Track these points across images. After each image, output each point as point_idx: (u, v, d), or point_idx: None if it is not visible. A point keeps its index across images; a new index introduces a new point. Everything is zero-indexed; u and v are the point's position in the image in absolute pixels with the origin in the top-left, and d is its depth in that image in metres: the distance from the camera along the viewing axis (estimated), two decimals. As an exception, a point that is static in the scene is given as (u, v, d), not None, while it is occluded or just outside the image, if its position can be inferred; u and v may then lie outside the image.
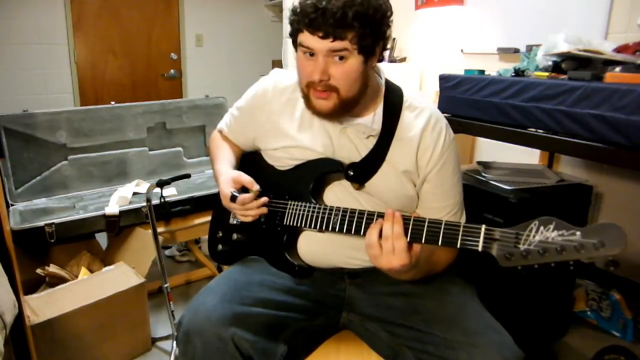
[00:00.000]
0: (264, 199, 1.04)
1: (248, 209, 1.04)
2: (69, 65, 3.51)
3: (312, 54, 0.94)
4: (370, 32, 0.91)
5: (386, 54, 1.06)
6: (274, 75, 1.16)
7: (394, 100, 1.06)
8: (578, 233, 0.72)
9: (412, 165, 1.03)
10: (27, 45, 3.31)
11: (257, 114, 1.13)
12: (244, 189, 1.06)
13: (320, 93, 0.96)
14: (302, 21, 0.91)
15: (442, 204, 1.05)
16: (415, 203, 1.07)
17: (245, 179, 1.05)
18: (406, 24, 2.77)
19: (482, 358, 0.86)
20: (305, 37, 0.93)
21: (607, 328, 1.82)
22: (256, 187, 1.04)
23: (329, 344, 1.08)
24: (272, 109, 1.11)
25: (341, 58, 0.92)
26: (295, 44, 0.99)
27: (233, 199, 1.02)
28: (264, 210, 1.05)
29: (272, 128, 1.11)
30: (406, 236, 0.87)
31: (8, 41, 3.23)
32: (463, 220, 1.08)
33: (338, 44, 0.90)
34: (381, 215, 0.91)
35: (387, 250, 0.86)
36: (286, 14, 2.77)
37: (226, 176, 1.08)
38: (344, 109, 1.00)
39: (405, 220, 0.88)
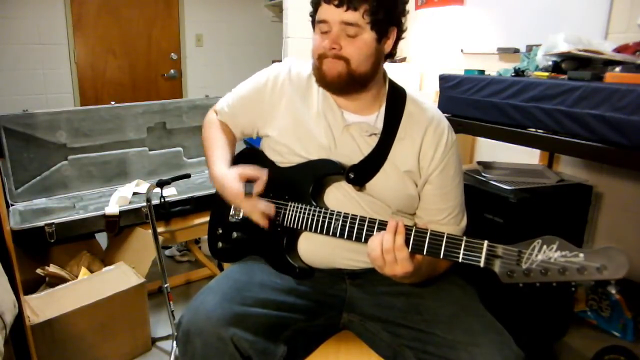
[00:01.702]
0: (270, 209, 1.02)
1: (260, 206, 1.02)
2: (69, 65, 3.51)
3: (325, 32, 0.98)
4: (383, 6, 0.95)
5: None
6: (289, 62, 1.16)
7: (396, 100, 1.07)
8: (581, 255, 0.72)
9: (414, 166, 1.03)
10: (27, 45, 3.31)
11: (267, 97, 1.12)
12: (249, 183, 1.03)
13: (330, 61, 0.98)
14: None
15: (442, 205, 1.05)
16: (416, 204, 1.07)
17: (250, 171, 1.03)
18: (406, 24, 2.76)
19: (482, 358, 0.86)
20: (322, 10, 0.98)
21: (607, 328, 1.82)
22: (264, 174, 1.02)
23: (329, 344, 1.08)
24: (283, 94, 1.11)
25: (353, 35, 0.96)
26: (314, 26, 1.03)
27: (249, 192, 1.00)
28: (271, 210, 1.03)
29: (279, 113, 1.10)
30: (407, 247, 0.87)
31: (8, 41, 3.23)
32: (464, 222, 1.08)
33: (351, 15, 0.94)
34: (382, 224, 0.92)
35: (390, 261, 0.87)
36: (288, 13, 2.77)
37: (230, 176, 1.05)
38: (352, 83, 1.01)
39: (407, 230, 0.88)
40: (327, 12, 0.96)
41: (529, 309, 1.62)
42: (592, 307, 1.87)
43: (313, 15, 1.03)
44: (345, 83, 1.00)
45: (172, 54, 3.94)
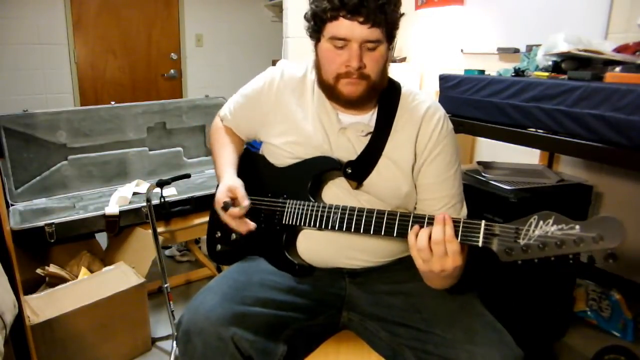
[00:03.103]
0: (251, 225, 1.03)
1: (233, 223, 1.04)
2: (69, 65, 3.51)
3: (340, 46, 0.95)
4: (395, 14, 0.94)
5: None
6: (281, 66, 1.16)
7: (391, 95, 1.07)
8: (577, 227, 0.73)
9: (410, 156, 1.03)
10: (27, 45, 3.31)
11: (263, 103, 1.13)
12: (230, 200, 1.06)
13: (352, 79, 0.96)
14: (341, 7, 0.91)
15: (439, 194, 1.04)
16: (413, 201, 1.06)
17: (239, 193, 1.04)
18: (406, 24, 2.77)
19: (482, 358, 0.86)
20: (340, 25, 0.93)
21: (607, 328, 1.82)
22: (246, 202, 1.03)
23: (329, 344, 1.08)
24: (278, 98, 1.11)
25: (372, 49, 0.94)
26: (317, 35, 0.99)
27: (225, 208, 1.02)
28: (250, 226, 1.03)
29: (275, 118, 1.11)
30: (406, 231, 0.87)
31: (8, 41, 3.23)
32: (464, 213, 1.07)
33: (374, 32, 0.92)
34: (380, 213, 0.92)
35: (439, 253, 0.84)
36: (288, 13, 2.78)
37: (225, 183, 1.07)
38: (371, 95, 1.01)
39: (405, 216, 0.88)
40: (349, 29, 0.92)
41: (529, 308, 1.63)
42: (592, 307, 1.87)
43: (317, 27, 0.98)
44: (365, 99, 1.01)
45: (172, 54, 3.94)
